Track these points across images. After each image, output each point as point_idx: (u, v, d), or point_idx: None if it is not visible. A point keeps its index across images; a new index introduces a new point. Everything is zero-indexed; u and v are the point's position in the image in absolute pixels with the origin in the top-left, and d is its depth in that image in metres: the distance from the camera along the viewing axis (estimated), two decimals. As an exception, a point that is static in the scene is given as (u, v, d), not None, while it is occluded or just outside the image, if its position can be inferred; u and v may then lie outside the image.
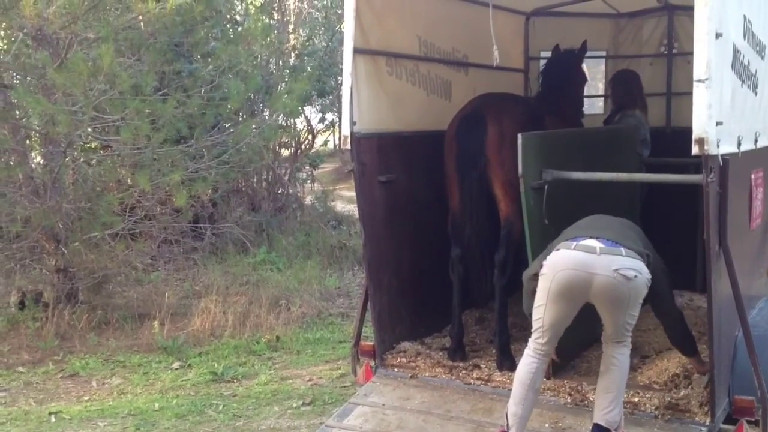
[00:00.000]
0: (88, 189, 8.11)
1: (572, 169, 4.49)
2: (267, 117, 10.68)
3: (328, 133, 18.70)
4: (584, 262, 3.69)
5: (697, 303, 5.96)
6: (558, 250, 3.80)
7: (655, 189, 5.84)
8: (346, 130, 4.62)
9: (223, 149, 8.45)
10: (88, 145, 9.21)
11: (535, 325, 3.87)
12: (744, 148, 4.06)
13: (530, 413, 3.81)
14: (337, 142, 27.51)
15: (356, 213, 14.24)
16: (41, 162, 8.55)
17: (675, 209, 5.75)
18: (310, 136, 15.38)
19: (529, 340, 3.91)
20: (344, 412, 4.50)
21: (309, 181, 15.77)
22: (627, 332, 3.88)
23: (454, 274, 4.92)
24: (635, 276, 3.68)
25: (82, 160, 8.41)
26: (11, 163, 8.16)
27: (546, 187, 4.35)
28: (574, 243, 3.78)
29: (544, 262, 3.82)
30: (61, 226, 8.07)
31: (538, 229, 4.36)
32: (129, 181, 8.56)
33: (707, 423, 3.88)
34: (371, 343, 4.97)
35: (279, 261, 11.05)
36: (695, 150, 3.54)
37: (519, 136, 4.20)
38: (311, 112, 15.73)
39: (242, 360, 7.00)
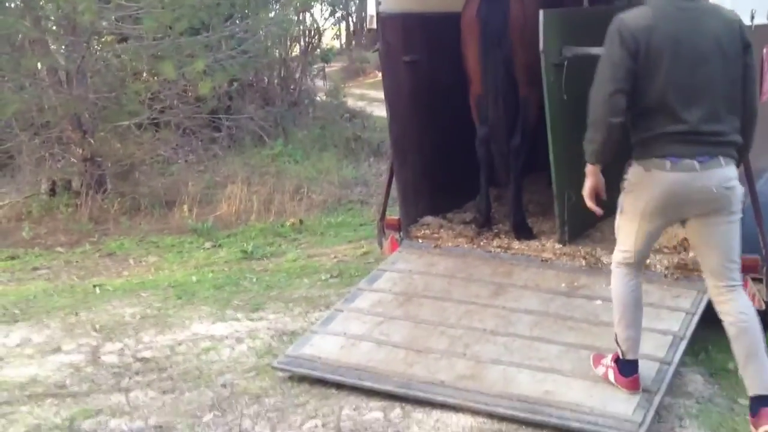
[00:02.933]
0: (112, 78, 8.30)
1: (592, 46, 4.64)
2: (278, 10, 10.75)
3: (335, 29, 18.72)
4: (683, 182, 3.16)
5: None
6: (649, 170, 3.22)
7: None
8: (372, 10, 4.77)
9: (242, 39, 8.59)
10: (104, 39, 9.34)
11: (625, 245, 3.44)
12: (757, 21, 4.21)
13: (641, 333, 3.54)
14: (344, 40, 27.51)
15: (368, 108, 14.48)
16: (64, 52, 8.70)
17: None
18: (317, 36, 15.43)
19: (617, 257, 3.50)
20: (374, 277, 4.85)
21: (321, 78, 15.89)
22: (737, 266, 3.32)
23: (480, 152, 5.10)
24: (734, 185, 3.23)
25: (103, 50, 8.54)
26: (34, 53, 8.32)
27: (566, 63, 4.52)
28: (669, 162, 3.17)
29: (631, 178, 3.33)
30: (87, 115, 8.31)
31: (557, 105, 4.55)
32: (151, 72, 8.75)
33: (713, 280, 4.18)
34: (396, 217, 5.27)
35: (296, 153, 11.32)
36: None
37: (540, 12, 4.34)
38: (319, 11, 15.72)
39: (269, 241, 7.36)
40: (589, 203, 3.44)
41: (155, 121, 8.79)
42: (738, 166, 3.30)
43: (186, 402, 3.97)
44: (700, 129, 3.14)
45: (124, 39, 8.51)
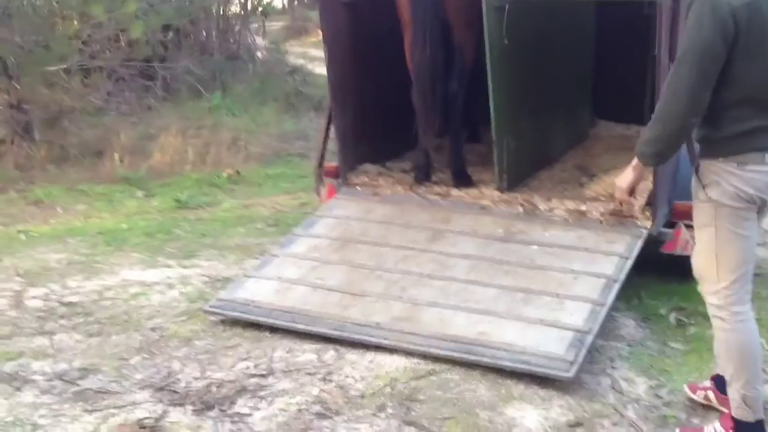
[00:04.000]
0: (39, 21, 7.92)
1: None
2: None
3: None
4: None
5: (643, 136, 6.25)
6: (745, 166, 2.75)
7: (608, 20, 5.94)
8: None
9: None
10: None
11: (728, 269, 2.83)
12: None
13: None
14: None
15: (310, 65, 14.22)
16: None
17: (626, 44, 5.90)
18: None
19: (720, 296, 2.87)
20: (310, 223, 4.76)
21: (261, 34, 15.54)
22: None
23: (416, 103, 4.94)
24: None
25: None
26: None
27: (507, 6, 4.45)
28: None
29: (724, 183, 2.77)
30: (12, 59, 7.93)
31: (498, 50, 4.48)
32: (81, 16, 8.37)
33: (648, 226, 4.23)
34: (334, 164, 5.17)
35: (234, 107, 11.04)
36: (653, -43, 3.68)
37: (484, -49, 4.25)
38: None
39: (204, 191, 7.18)
40: (623, 197, 3.06)
41: (85, 67, 8.43)
42: None
43: (113, 345, 3.85)
44: None
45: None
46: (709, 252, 2.86)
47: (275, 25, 19.99)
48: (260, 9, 14.72)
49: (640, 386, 3.46)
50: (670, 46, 4.06)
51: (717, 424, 3.00)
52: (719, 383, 3.16)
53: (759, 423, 2.90)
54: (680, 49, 2.70)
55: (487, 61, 4.46)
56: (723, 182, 2.78)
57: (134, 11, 7.26)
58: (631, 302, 4.41)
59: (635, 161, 2.92)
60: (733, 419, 2.92)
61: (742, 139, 2.75)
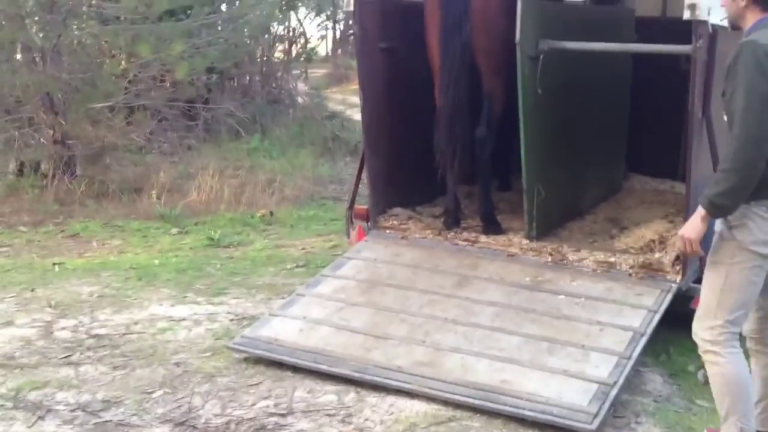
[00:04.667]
0: (87, 59, 8.17)
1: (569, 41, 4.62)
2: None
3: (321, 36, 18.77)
4: None
5: (678, 190, 6.18)
6: None
7: (644, 78, 5.95)
8: (350, -4, 4.72)
9: (223, 29, 8.51)
10: (84, 21, 9.20)
11: (736, 305, 2.91)
12: (733, 24, 4.21)
13: None
14: (330, 47, 27.55)
15: (348, 111, 14.40)
16: (39, 31, 8.55)
17: (662, 98, 5.90)
18: (302, 36, 15.41)
19: (724, 330, 2.93)
20: (338, 264, 4.78)
21: (302, 77, 15.82)
22: None
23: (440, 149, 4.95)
24: None
25: (80, 29, 8.41)
26: (9, 30, 8.17)
27: (542, 56, 4.49)
28: None
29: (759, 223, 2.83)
30: (60, 96, 8.17)
31: (531, 98, 4.51)
32: (128, 56, 8.62)
33: (678, 280, 4.17)
34: (365, 207, 5.20)
35: (272, 149, 11.21)
36: (686, 15, 3.71)
37: (518, 1, 4.30)
38: (304, 14, 15.73)
39: (237, 230, 7.25)
40: (694, 249, 2.94)
41: (129, 105, 8.66)
42: None
43: (136, 378, 3.88)
44: None
45: (102, 22, 8.39)
46: (715, 289, 2.91)
47: (317, 72, 20.34)
48: (304, 56, 15.03)
49: (665, 443, 3.37)
50: (704, 100, 4.05)
51: None
52: None
53: None
54: (741, 98, 2.71)
55: (520, 109, 4.49)
56: (752, 226, 2.82)
57: (180, 52, 7.45)
58: (659, 357, 4.33)
59: (703, 212, 2.86)
60: None
61: None
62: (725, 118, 2.86)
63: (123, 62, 8.33)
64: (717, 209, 2.84)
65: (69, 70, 8.04)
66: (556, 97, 4.67)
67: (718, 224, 2.93)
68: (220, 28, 8.23)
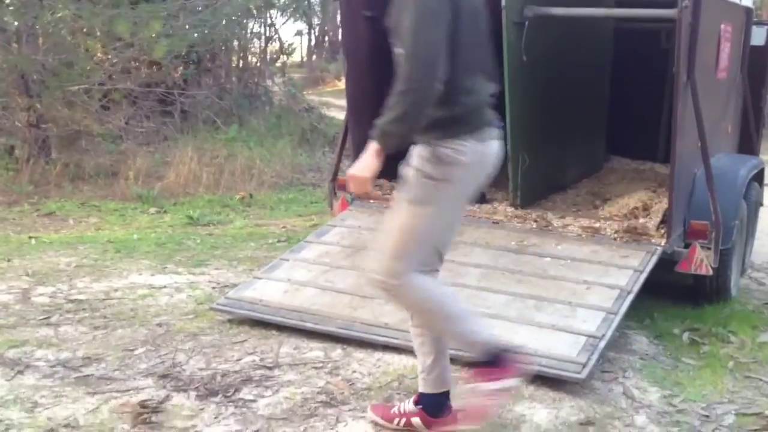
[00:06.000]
0: (64, 41, 8.06)
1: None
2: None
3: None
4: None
5: (659, 170, 6.22)
6: (484, 141, 2.66)
7: (625, 54, 5.98)
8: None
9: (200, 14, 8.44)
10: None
11: (429, 243, 2.78)
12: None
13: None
14: (305, 53, 27.55)
15: (325, 110, 14.32)
16: (15, 12, 8.43)
17: (643, 80, 5.93)
18: (277, 35, 15.39)
19: (411, 262, 2.70)
20: (322, 231, 4.74)
21: (280, 75, 15.76)
22: None
23: None
24: None
25: (57, 10, 8.28)
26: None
27: (527, 23, 4.49)
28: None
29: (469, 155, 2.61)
30: (35, 77, 8.05)
31: (516, 65, 4.51)
32: (105, 37, 8.50)
33: (663, 243, 4.18)
34: (348, 178, 5.15)
35: (250, 139, 11.12)
36: (672, -24, 3.73)
37: (504, -34, 4.30)
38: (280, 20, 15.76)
39: (217, 210, 7.20)
40: (365, 189, 2.85)
41: (106, 89, 8.54)
42: None
43: (118, 337, 3.81)
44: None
45: (79, 3, 8.26)
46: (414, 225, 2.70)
47: (293, 75, 20.26)
48: (281, 54, 14.99)
49: (653, 395, 3.37)
50: (688, 63, 4.09)
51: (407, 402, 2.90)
52: (429, 403, 2.87)
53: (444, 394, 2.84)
54: (410, 15, 2.47)
55: (505, 76, 4.48)
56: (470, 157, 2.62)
57: (158, 33, 7.37)
58: (643, 322, 4.35)
59: (376, 146, 2.66)
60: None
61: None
62: (395, 48, 2.60)
63: (100, 44, 8.22)
64: (388, 138, 2.60)
65: (45, 52, 7.92)
66: (540, 66, 4.67)
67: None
68: (200, 9, 8.14)
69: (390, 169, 5.23)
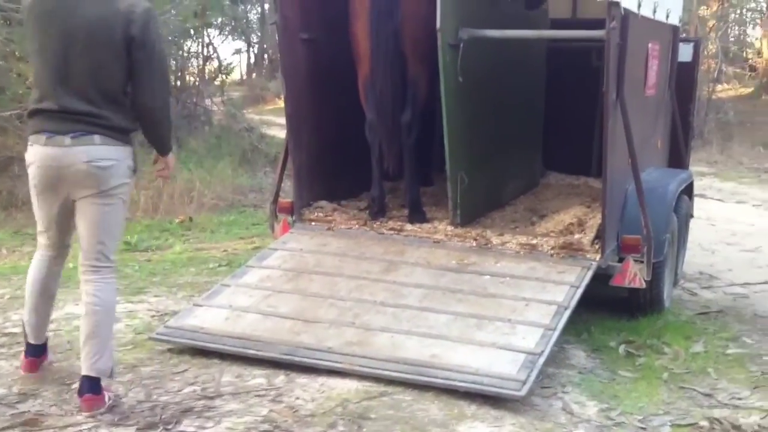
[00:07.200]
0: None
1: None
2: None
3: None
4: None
5: (592, 184, 6.35)
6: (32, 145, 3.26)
7: (558, 72, 6.12)
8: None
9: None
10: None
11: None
12: (643, 12, 4.41)
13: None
14: (244, 70, 27.42)
15: (265, 128, 14.20)
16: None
17: (575, 98, 6.07)
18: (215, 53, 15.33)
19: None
20: (263, 255, 4.71)
21: (218, 93, 15.64)
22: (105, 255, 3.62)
23: (370, 137, 4.97)
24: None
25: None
26: None
27: (462, 45, 4.57)
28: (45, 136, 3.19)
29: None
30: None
31: (452, 86, 4.58)
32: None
33: (597, 259, 4.29)
34: (289, 200, 5.15)
35: (189, 161, 10.98)
36: (600, -3, 3.85)
37: (438, -12, 4.35)
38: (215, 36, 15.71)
39: (155, 235, 7.08)
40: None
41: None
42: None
43: (54, 372, 3.72)
44: None
45: (9, 25, 8.10)
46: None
47: (233, 94, 20.15)
48: (219, 73, 14.91)
49: (591, 409, 3.45)
50: (617, 82, 4.21)
51: None
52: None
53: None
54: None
55: (442, 97, 4.55)
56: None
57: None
58: (581, 336, 4.44)
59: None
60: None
61: None
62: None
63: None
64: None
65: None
66: (476, 86, 4.75)
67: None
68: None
69: (331, 191, 5.30)
